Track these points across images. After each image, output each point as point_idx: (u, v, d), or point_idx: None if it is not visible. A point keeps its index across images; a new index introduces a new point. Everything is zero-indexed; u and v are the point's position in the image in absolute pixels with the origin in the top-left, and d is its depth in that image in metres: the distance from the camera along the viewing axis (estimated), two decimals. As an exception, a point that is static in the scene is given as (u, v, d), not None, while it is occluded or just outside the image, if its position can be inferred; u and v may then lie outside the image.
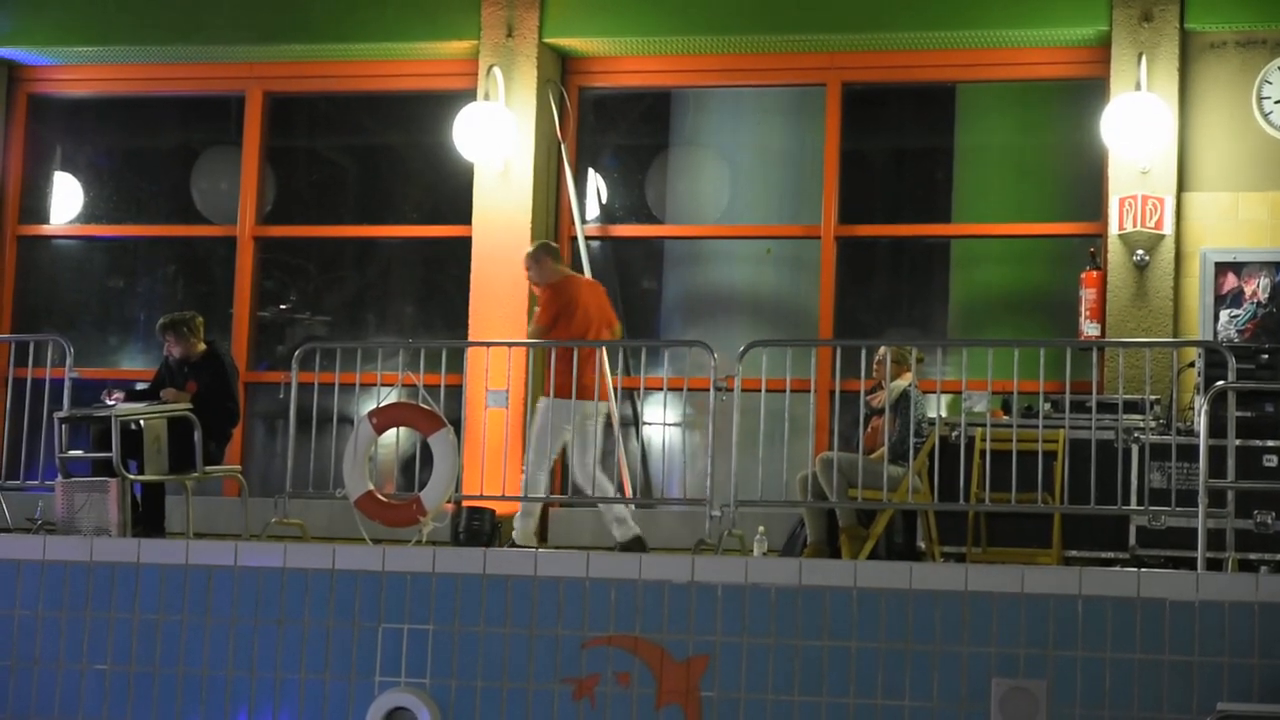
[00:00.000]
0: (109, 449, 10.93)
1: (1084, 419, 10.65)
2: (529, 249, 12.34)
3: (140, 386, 12.04)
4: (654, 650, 9.30)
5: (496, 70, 13.39)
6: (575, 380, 11.42)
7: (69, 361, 11.44)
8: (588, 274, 13.37)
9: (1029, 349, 11.16)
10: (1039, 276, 13.42)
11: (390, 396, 11.45)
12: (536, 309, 12.13)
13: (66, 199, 14.85)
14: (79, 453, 11.37)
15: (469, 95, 13.51)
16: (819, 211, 13.42)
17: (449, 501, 11.11)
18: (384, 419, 10.85)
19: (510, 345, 11.89)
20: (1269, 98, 12.44)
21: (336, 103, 14.65)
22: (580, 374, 11.52)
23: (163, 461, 11.20)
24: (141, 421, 11.14)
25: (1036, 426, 10.40)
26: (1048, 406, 11.03)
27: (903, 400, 11.14)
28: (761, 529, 10.99)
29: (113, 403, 11.40)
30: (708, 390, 10.62)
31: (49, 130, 14.92)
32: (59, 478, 11.06)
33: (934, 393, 11.68)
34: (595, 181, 14.02)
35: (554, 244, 12.45)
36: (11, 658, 9.98)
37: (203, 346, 11.94)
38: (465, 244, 13.50)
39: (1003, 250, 13.49)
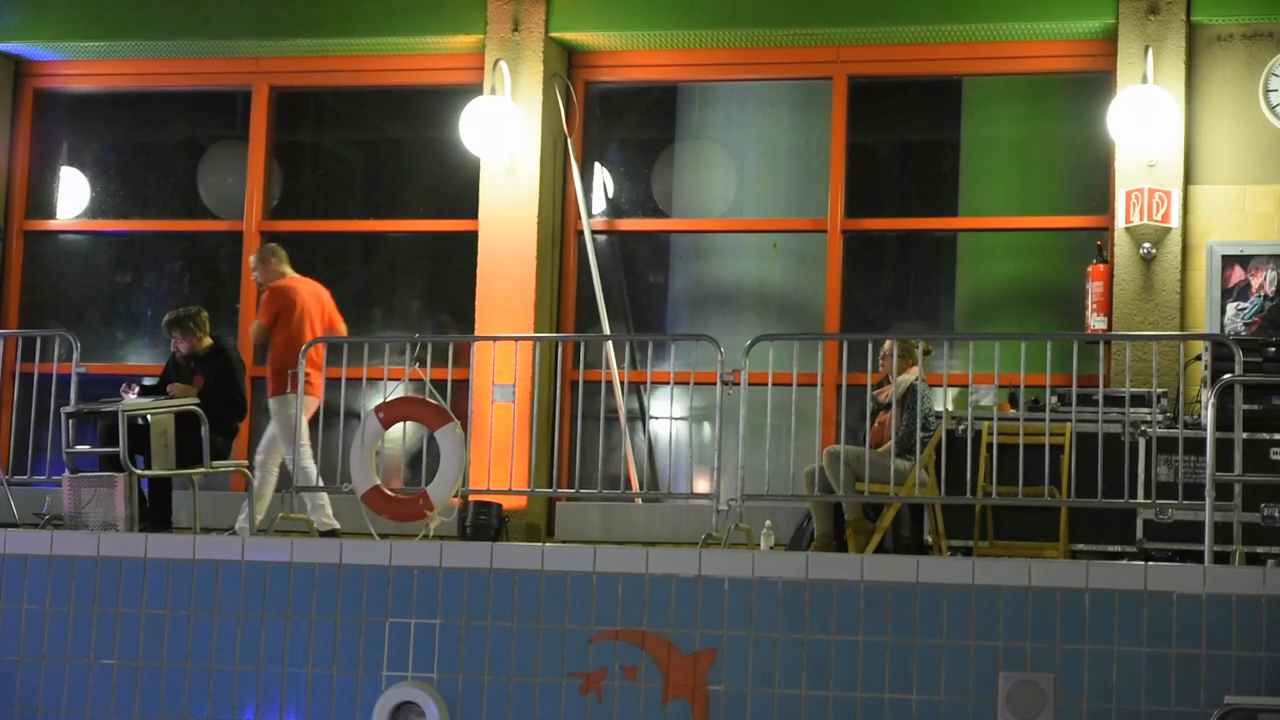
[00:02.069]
0: (116, 444, 10.94)
1: (1091, 412, 10.64)
2: (257, 249, 12.66)
3: (147, 381, 12.05)
4: (661, 644, 9.30)
5: (503, 65, 13.39)
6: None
7: (75, 357, 11.44)
8: (595, 268, 13.39)
9: (1036, 342, 11.15)
10: (1046, 270, 13.40)
11: (397, 391, 11.47)
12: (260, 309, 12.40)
13: (73, 194, 14.85)
14: (86, 448, 11.38)
15: (475, 90, 13.52)
16: (825, 205, 13.42)
17: (455, 496, 11.11)
18: (391, 413, 10.85)
19: (517, 339, 11.89)
20: (1275, 90, 12.41)
21: (343, 98, 14.65)
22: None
23: (170, 456, 11.20)
24: (149, 416, 11.15)
25: (1043, 420, 10.39)
26: (1054, 400, 11.03)
27: (909, 394, 11.13)
28: (768, 523, 10.99)
29: (131, 397, 11.42)
30: (714, 384, 10.62)
31: (55, 125, 14.93)
32: (66, 473, 11.07)
33: (941, 386, 11.68)
34: (601, 176, 14.02)
35: (278, 246, 12.65)
36: (19, 653, 9.99)
37: (209, 341, 11.96)
38: (471, 239, 13.50)
39: (1009, 243, 13.48)
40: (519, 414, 11.53)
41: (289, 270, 12.50)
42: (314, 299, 12.37)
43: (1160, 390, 11.19)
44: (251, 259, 12.64)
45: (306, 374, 11.50)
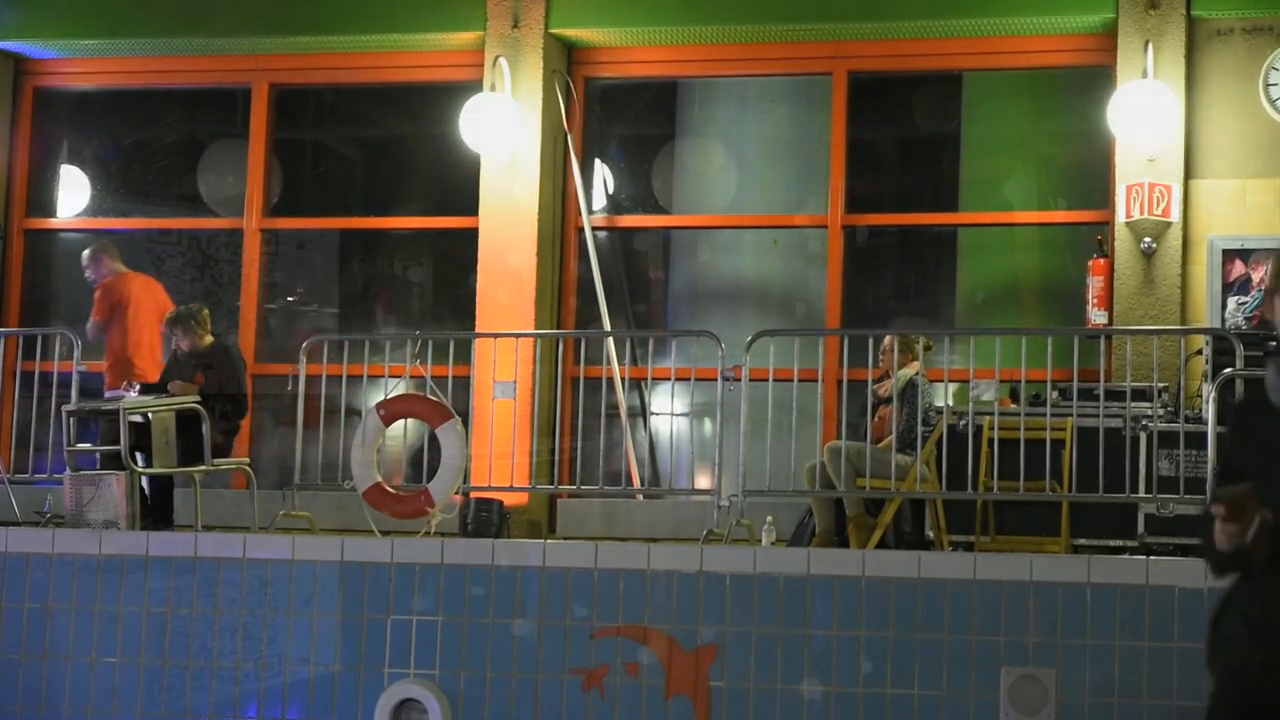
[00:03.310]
0: (117, 442, 10.95)
1: (1092, 407, 10.64)
2: (89, 249, 12.93)
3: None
4: (663, 640, 9.30)
5: (503, 61, 13.38)
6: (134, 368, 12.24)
7: (76, 355, 11.45)
8: (595, 265, 13.38)
9: (1036, 337, 11.15)
10: (1046, 264, 13.40)
11: (398, 388, 11.47)
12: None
13: (73, 192, 14.85)
14: (87, 446, 11.38)
15: (475, 86, 13.51)
16: (825, 201, 13.41)
17: (457, 493, 11.11)
18: (392, 410, 10.85)
19: (518, 336, 11.89)
20: (1276, 84, 12.40)
21: (343, 95, 14.65)
22: (139, 362, 12.33)
23: (171, 454, 11.20)
24: (150, 414, 11.15)
25: (1044, 415, 10.39)
26: (1055, 395, 11.03)
27: (909, 389, 11.12)
28: (769, 518, 10.99)
29: (133, 394, 11.43)
30: (715, 380, 10.62)
31: (55, 123, 14.92)
32: (67, 471, 11.07)
33: (942, 381, 11.67)
34: (602, 172, 14.02)
35: (109, 243, 13.02)
36: (21, 651, 9.99)
37: (210, 339, 11.96)
38: (472, 235, 13.50)
39: (1010, 238, 13.48)
40: (520, 410, 11.53)
41: (121, 267, 12.82)
42: (146, 293, 12.68)
43: (1161, 385, 11.18)
44: (84, 257, 12.88)
45: (144, 368, 11.90)
